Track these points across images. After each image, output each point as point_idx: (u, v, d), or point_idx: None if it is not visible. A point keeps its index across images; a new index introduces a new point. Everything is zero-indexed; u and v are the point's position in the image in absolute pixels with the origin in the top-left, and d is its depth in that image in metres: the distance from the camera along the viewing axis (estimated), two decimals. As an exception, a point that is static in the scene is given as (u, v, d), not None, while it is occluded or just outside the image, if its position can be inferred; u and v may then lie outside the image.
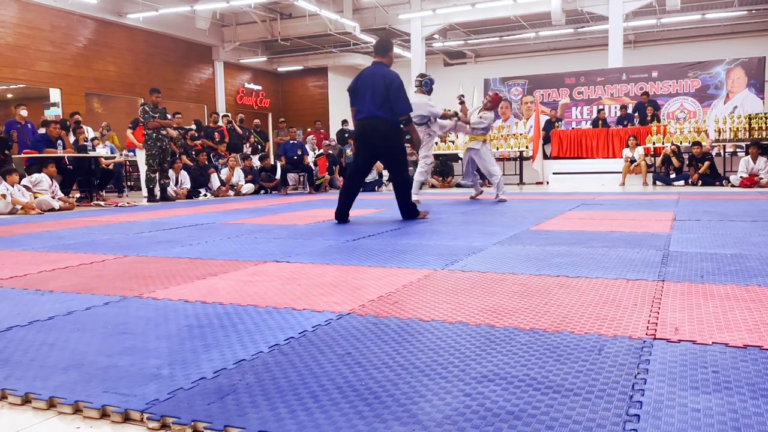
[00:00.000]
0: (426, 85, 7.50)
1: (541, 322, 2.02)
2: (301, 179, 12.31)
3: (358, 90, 5.44)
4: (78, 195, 9.89)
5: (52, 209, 8.07)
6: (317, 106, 22.00)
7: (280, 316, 2.20)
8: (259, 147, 13.70)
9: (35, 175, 8.33)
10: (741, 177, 10.25)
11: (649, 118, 12.83)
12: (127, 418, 1.39)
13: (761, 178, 10.12)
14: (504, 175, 13.55)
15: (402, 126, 5.61)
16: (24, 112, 9.97)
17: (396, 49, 19.93)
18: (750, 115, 11.61)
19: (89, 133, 11.47)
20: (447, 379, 1.53)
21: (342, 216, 5.49)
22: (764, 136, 11.15)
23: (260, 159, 12.33)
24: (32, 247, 4.34)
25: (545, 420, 1.28)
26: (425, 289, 2.58)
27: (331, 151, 12.98)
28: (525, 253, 3.46)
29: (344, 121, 15.62)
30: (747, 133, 11.34)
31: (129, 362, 1.73)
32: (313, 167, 11.98)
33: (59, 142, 9.33)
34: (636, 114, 13.27)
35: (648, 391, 1.41)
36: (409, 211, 5.57)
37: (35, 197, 8.05)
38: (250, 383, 1.54)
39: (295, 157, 11.58)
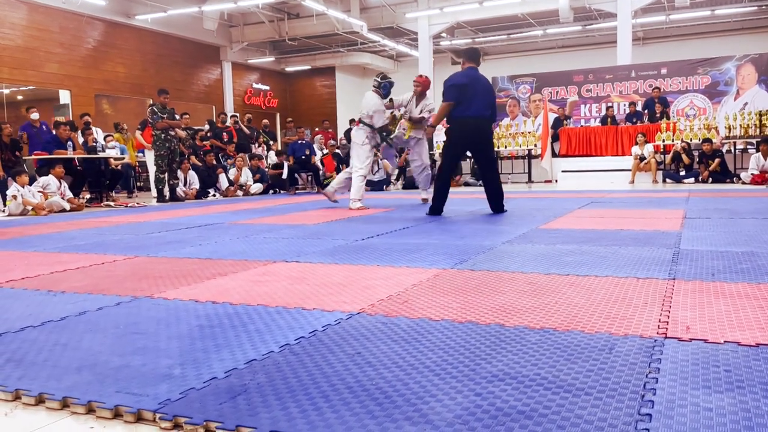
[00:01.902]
0: (384, 88, 7.15)
1: (552, 321, 2.02)
2: (310, 179, 12.33)
3: (468, 88, 5.66)
4: (88, 196, 9.95)
5: (63, 210, 8.12)
6: (325, 106, 22.03)
7: (290, 316, 2.20)
8: (266, 146, 13.74)
9: (42, 179, 8.39)
10: (752, 174, 10.17)
11: (658, 115, 12.75)
12: (139, 418, 1.40)
13: (772, 175, 10.03)
14: (512, 173, 13.64)
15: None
16: (35, 115, 10.03)
17: (403, 48, 19.98)
18: (761, 111, 11.51)
19: (99, 134, 11.53)
20: (457, 378, 1.53)
21: (440, 211, 5.88)
22: (775, 133, 11.06)
23: (277, 154, 12.31)
24: (43, 248, 4.37)
25: (556, 419, 1.28)
26: (434, 288, 2.58)
27: (338, 150, 13.00)
28: (534, 252, 3.45)
29: (352, 121, 15.61)
30: (758, 130, 11.25)
31: (141, 362, 1.74)
32: (321, 167, 11.99)
33: (69, 143, 9.38)
34: (645, 111, 13.18)
35: (660, 391, 1.41)
36: (502, 204, 5.91)
37: (46, 198, 8.10)
38: (261, 383, 1.54)
39: (303, 157, 11.60)
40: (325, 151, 12.96)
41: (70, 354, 1.84)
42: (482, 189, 8.56)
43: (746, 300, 2.21)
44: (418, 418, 1.30)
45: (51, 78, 13.94)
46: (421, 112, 7.33)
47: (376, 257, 3.43)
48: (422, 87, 7.36)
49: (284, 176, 11.84)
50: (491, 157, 6.06)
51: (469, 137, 5.79)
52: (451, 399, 1.40)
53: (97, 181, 10.05)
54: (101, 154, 10.40)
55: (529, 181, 13.15)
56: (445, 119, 6.05)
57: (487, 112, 5.74)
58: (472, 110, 5.65)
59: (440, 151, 6.86)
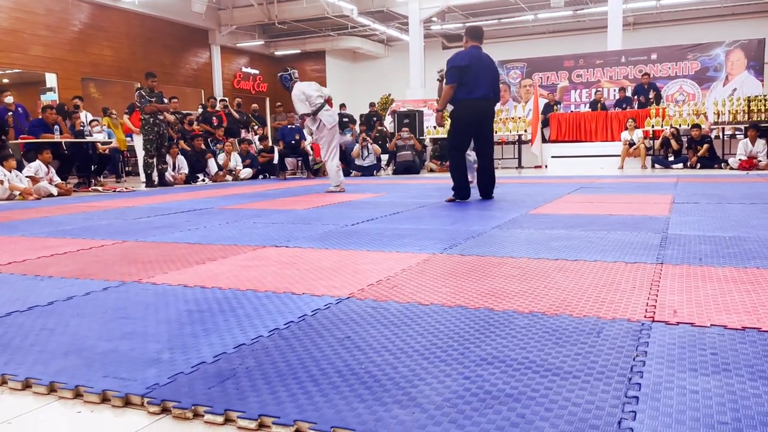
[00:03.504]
0: (285, 80, 7.37)
1: (540, 305, 2.03)
2: (299, 164, 12.28)
3: (471, 69, 5.50)
4: (76, 181, 9.86)
5: (50, 195, 8.05)
6: (315, 90, 21.86)
7: (280, 300, 2.20)
8: (253, 129, 13.65)
9: (33, 165, 8.29)
10: (740, 160, 10.23)
11: (652, 100, 12.76)
12: (127, 403, 1.39)
13: (760, 161, 10.10)
14: (503, 158, 13.65)
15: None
16: (9, 99, 9.80)
17: (394, 32, 19.86)
18: (749, 97, 11.56)
19: (86, 118, 11.40)
20: (446, 362, 1.54)
21: (468, 192, 5.76)
22: (763, 119, 11.11)
23: (260, 140, 12.28)
24: (31, 232, 4.33)
25: (544, 402, 1.28)
26: (424, 273, 2.58)
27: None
28: (524, 237, 3.46)
29: (342, 105, 15.54)
30: (746, 116, 11.30)
31: (129, 347, 1.73)
32: (310, 151, 11.94)
33: (56, 127, 9.28)
34: (635, 97, 13.18)
35: (647, 374, 1.42)
36: (491, 190, 5.83)
37: (33, 183, 8.02)
38: (250, 367, 1.54)
39: (293, 142, 11.54)
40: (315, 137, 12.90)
41: (57, 339, 1.83)
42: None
43: (733, 284, 2.23)
44: (407, 402, 1.31)
45: (37, 61, 13.75)
46: None
47: (365, 242, 3.43)
48: None
49: (275, 161, 11.79)
50: (491, 142, 5.89)
51: (474, 119, 5.63)
52: (440, 382, 1.41)
53: (84, 165, 9.96)
54: (88, 139, 10.29)
55: (519, 166, 13.17)
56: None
57: (491, 92, 5.60)
58: (477, 92, 5.50)
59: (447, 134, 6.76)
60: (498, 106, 14.78)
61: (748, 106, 11.30)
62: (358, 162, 12.02)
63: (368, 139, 12.31)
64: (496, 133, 13.13)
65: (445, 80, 5.72)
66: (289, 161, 12.11)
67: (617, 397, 1.29)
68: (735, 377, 1.39)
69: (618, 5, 14.71)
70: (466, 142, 5.84)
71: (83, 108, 11.38)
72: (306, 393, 1.37)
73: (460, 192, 5.72)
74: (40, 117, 9.51)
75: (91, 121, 11.58)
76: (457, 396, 1.33)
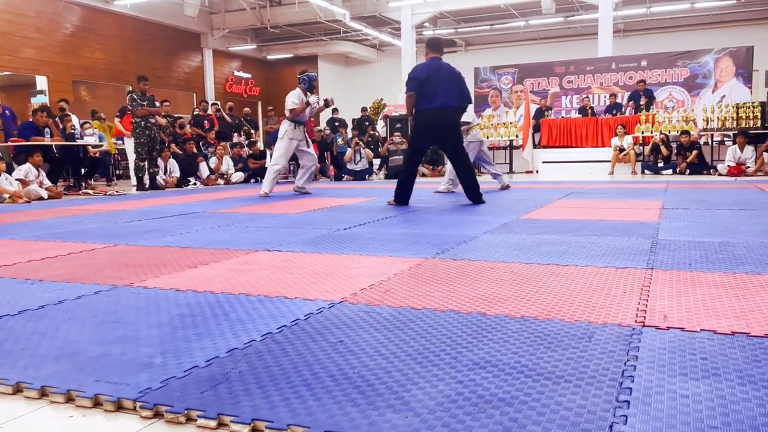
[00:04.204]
0: (303, 82, 7.49)
1: (532, 309, 2.04)
2: (291, 168, 12.27)
3: (430, 80, 5.69)
4: (66, 184, 9.80)
5: (41, 198, 8.00)
6: (307, 95, 21.87)
7: (272, 304, 2.20)
8: (244, 133, 13.63)
9: (23, 167, 8.24)
10: (728, 166, 10.33)
11: (643, 105, 12.83)
12: (119, 407, 1.39)
13: (748, 167, 10.20)
14: (494, 163, 13.67)
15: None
16: None
17: (386, 38, 19.91)
18: (738, 104, 11.68)
19: (75, 121, 11.34)
20: (439, 366, 1.54)
21: (406, 200, 5.89)
22: (751, 126, 11.23)
23: (249, 145, 12.29)
24: (21, 236, 4.30)
25: (536, 406, 1.29)
26: (417, 277, 2.59)
27: (323, 137, 12.96)
28: (515, 242, 3.47)
29: (334, 110, 15.56)
30: (735, 123, 11.41)
31: (121, 351, 1.73)
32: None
33: (46, 130, 9.23)
34: (631, 102, 13.20)
35: (638, 378, 1.43)
36: (478, 194, 5.88)
37: (23, 186, 7.97)
38: (242, 372, 1.54)
39: (285, 146, 11.52)
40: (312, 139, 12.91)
41: (48, 343, 1.82)
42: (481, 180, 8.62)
43: (722, 289, 2.25)
44: (401, 406, 1.31)
45: (27, 63, 13.68)
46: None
47: (358, 246, 3.43)
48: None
49: (267, 165, 11.76)
50: (459, 148, 5.94)
51: (432, 129, 5.78)
52: (432, 387, 1.41)
53: (75, 168, 9.91)
54: (79, 142, 10.24)
55: (511, 171, 13.22)
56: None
57: (453, 101, 5.71)
58: (435, 102, 5.65)
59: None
60: (488, 112, 14.93)
61: (737, 113, 11.42)
62: (350, 166, 12.04)
63: (361, 143, 12.33)
64: (488, 138, 13.26)
65: (405, 89, 5.92)
66: (281, 165, 12.08)
67: (609, 402, 1.30)
68: (725, 382, 1.40)
69: (608, 12, 14.84)
70: (422, 150, 6.05)
71: (69, 110, 11.29)
72: (299, 397, 1.37)
73: (398, 197, 5.89)
74: (31, 120, 9.46)
75: (83, 124, 11.53)
76: (450, 400, 1.33)
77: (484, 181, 8.75)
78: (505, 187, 8.03)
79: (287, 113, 7.39)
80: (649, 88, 13.56)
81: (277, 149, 7.53)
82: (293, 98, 7.40)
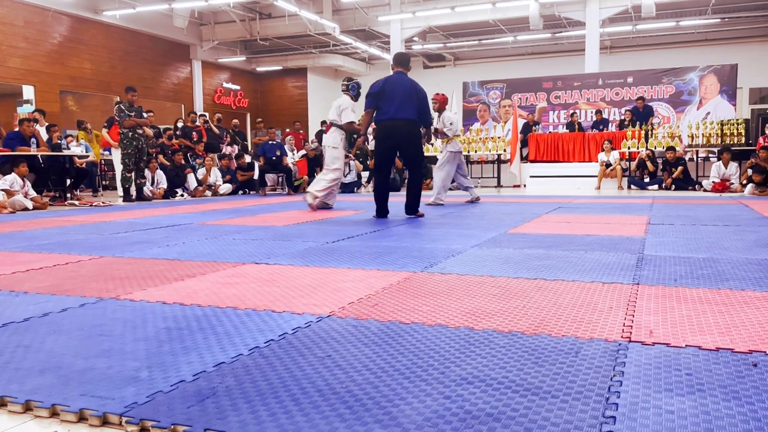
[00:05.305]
0: (352, 89, 7.39)
1: (520, 324, 2.05)
2: (280, 180, 12.26)
3: (385, 93, 5.82)
4: (52, 195, 9.72)
5: (26, 209, 7.93)
6: (296, 107, 21.92)
7: (260, 318, 2.19)
8: (236, 145, 13.63)
9: (8, 177, 8.17)
10: (713, 182, 10.45)
11: (627, 122, 12.90)
12: (105, 422, 1.38)
13: (732, 183, 10.32)
14: (482, 177, 13.78)
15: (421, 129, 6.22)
16: None
17: (375, 51, 20.00)
18: (722, 121, 11.85)
19: (42, 131, 11.16)
20: (427, 381, 1.54)
21: (385, 212, 6.03)
22: (735, 142, 11.39)
23: (236, 157, 12.28)
24: (5, 247, 4.26)
25: (523, 422, 1.30)
26: (405, 291, 2.59)
27: (305, 151, 12.97)
28: (503, 256, 3.49)
29: (323, 122, 15.57)
30: (719, 139, 11.57)
31: (107, 365, 1.71)
32: (293, 168, 11.95)
33: (33, 140, 9.16)
34: (631, 118, 13.12)
35: (624, 393, 1.44)
36: (416, 208, 6.04)
37: (8, 197, 7.90)
38: (229, 386, 1.53)
39: (274, 158, 11.53)
40: (300, 153, 12.93)
41: (33, 356, 1.81)
42: (452, 192, 8.68)
43: (707, 305, 2.28)
44: (388, 421, 1.31)
45: (13, 73, 13.59)
46: (443, 127, 7.79)
47: (346, 260, 3.43)
48: (439, 104, 7.90)
49: (255, 177, 11.76)
50: (413, 159, 6.07)
51: (386, 140, 5.92)
52: (420, 402, 1.41)
53: (61, 179, 9.83)
54: (65, 152, 10.17)
55: (498, 185, 13.29)
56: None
57: (404, 114, 5.78)
58: (388, 113, 5.79)
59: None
60: (477, 126, 15.03)
61: (721, 130, 11.58)
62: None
63: (350, 155, 12.34)
64: (476, 152, 13.35)
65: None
66: (270, 177, 12.09)
67: (595, 417, 1.31)
68: (709, 397, 1.41)
69: (595, 29, 15.04)
70: (385, 161, 6.11)
71: (42, 123, 11.09)
72: (286, 412, 1.37)
73: (378, 211, 6.03)
74: (17, 129, 9.39)
75: (66, 137, 11.45)
76: (438, 415, 1.33)
77: (456, 194, 8.80)
78: (475, 200, 8.10)
79: (341, 123, 7.10)
80: (648, 105, 13.54)
81: (335, 158, 7.16)
82: (349, 108, 7.11)
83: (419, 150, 6.08)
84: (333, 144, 7.18)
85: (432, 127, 7.32)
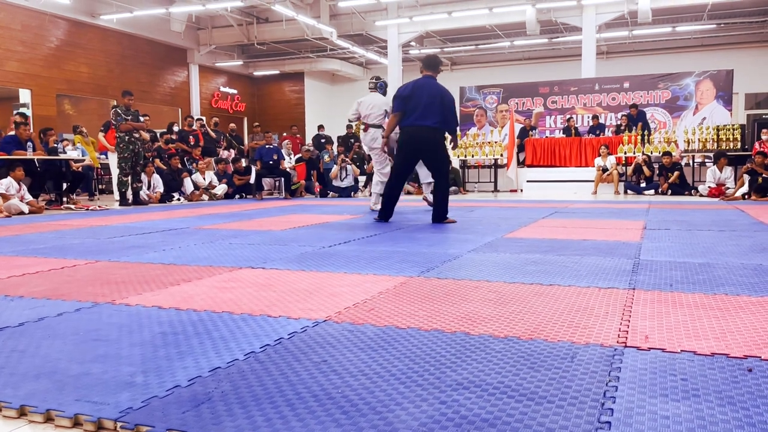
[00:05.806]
0: (381, 88, 7.57)
1: (516, 329, 2.05)
2: (277, 184, 12.26)
3: (413, 98, 5.71)
4: (48, 199, 9.69)
5: (21, 213, 7.91)
6: (293, 111, 21.95)
7: (256, 323, 2.19)
8: (233, 149, 13.62)
9: (4, 181, 8.15)
10: (709, 187, 10.48)
11: (623, 127, 12.93)
12: (100, 427, 1.37)
13: (728, 188, 10.35)
14: (479, 182, 13.80)
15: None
16: None
17: (372, 55, 20.04)
18: (718, 126, 11.90)
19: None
20: (423, 386, 1.54)
21: (388, 216, 5.99)
22: (731, 147, 11.43)
23: (232, 161, 12.27)
24: (0, 251, 4.25)
25: (519, 427, 1.30)
26: (401, 296, 2.59)
27: (300, 154, 12.98)
28: (499, 261, 3.49)
29: (320, 127, 15.60)
30: (715, 144, 11.62)
31: (102, 370, 1.71)
32: (292, 172, 11.95)
33: (29, 144, 9.15)
34: (627, 123, 13.14)
35: (619, 399, 1.44)
36: (443, 215, 5.87)
37: (4, 200, 7.88)
38: (225, 391, 1.53)
39: (271, 162, 11.53)
40: (297, 157, 12.93)
41: (28, 361, 1.80)
42: (452, 196, 8.68)
43: (702, 310, 2.28)
44: (384, 426, 1.31)
45: (10, 77, 13.58)
46: None
47: (342, 264, 3.43)
48: None
49: (252, 181, 11.76)
50: (436, 167, 5.92)
51: (410, 145, 5.78)
52: (416, 407, 1.41)
53: (57, 183, 9.81)
54: (62, 156, 10.15)
55: (495, 190, 13.31)
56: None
57: (428, 120, 5.64)
58: (410, 119, 5.69)
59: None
60: (473, 130, 15.04)
61: (717, 135, 11.63)
62: (336, 183, 12.05)
63: (347, 160, 12.36)
64: (473, 156, 13.36)
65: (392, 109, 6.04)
66: (267, 181, 12.08)
67: (590, 422, 1.31)
68: (704, 403, 1.42)
69: (592, 34, 15.10)
70: (405, 167, 6.00)
71: (52, 125, 11.11)
72: (282, 418, 1.37)
73: (381, 213, 6.01)
74: (13, 133, 9.37)
75: (62, 141, 11.43)
76: (434, 421, 1.33)
77: (456, 198, 8.81)
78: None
79: (385, 122, 7.11)
80: (641, 111, 13.58)
81: (381, 158, 7.28)
82: (387, 105, 7.20)
83: (442, 157, 5.93)
84: (375, 145, 7.30)
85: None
